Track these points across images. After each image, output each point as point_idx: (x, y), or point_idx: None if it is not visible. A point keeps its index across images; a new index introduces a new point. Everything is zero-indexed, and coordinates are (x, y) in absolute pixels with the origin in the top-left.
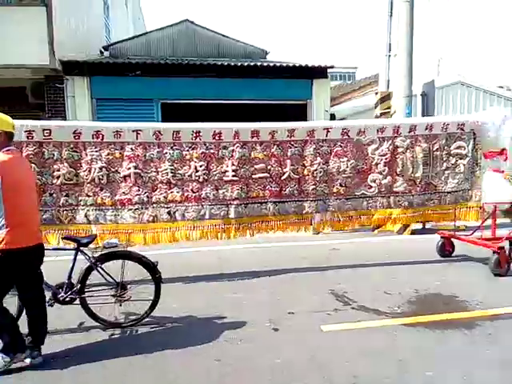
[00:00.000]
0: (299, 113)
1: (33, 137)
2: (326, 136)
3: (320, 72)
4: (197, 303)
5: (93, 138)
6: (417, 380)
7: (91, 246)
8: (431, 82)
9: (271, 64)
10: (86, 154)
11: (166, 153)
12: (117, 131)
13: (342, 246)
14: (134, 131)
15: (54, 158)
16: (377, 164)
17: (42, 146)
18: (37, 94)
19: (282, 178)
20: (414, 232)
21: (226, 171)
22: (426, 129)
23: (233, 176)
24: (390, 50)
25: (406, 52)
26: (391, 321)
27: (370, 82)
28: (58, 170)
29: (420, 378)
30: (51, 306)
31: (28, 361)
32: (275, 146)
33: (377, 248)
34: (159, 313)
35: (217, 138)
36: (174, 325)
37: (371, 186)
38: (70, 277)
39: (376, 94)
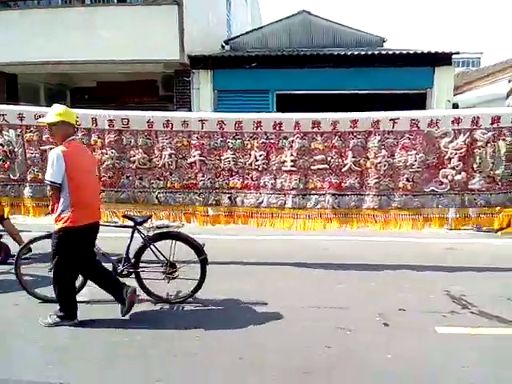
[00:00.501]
0: (418, 102)
1: (113, 125)
2: (393, 127)
3: (443, 59)
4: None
5: (164, 127)
6: None
7: (147, 225)
8: None
9: (389, 52)
10: (158, 142)
11: (229, 142)
12: (184, 121)
13: (460, 246)
14: (199, 121)
15: (131, 144)
16: (450, 158)
17: (121, 134)
18: (166, 86)
19: (343, 170)
20: None
21: (285, 161)
22: None
23: (291, 166)
24: None
25: None
26: None
27: (500, 68)
28: (134, 156)
29: None
30: (122, 275)
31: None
32: (336, 137)
33: (499, 250)
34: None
35: (277, 128)
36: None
37: (442, 183)
38: (127, 252)
39: (509, 81)
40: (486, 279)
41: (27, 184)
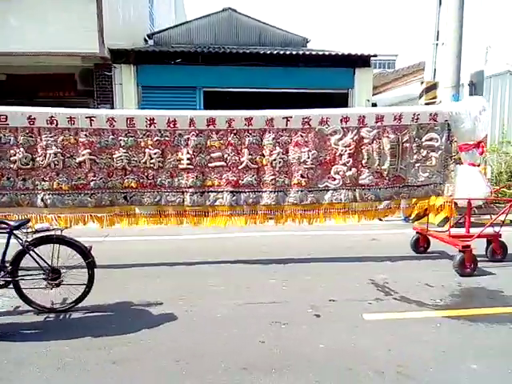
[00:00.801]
0: (340, 102)
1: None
2: (286, 125)
3: (362, 61)
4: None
5: (47, 124)
6: (461, 372)
7: (26, 230)
8: (480, 71)
9: (313, 52)
10: (41, 140)
11: (121, 140)
12: (70, 117)
13: (382, 237)
14: (87, 117)
15: (11, 142)
16: (341, 155)
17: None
18: (85, 81)
19: (239, 167)
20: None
21: (181, 159)
22: (395, 119)
23: (188, 164)
24: (437, 39)
25: (455, 39)
26: (434, 313)
27: (413, 70)
28: (15, 155)
29: (464, 371)
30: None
31: None
32: (232, 135)
33: None
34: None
35: (171, 125)
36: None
37: (335, 178)
38: (3, 260)
39: (421, 83)
40: (407, 266)
41: None
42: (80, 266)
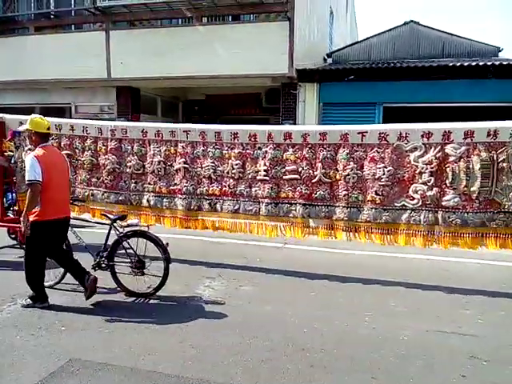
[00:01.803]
0: None
1: (115, 134)
2: (362, 140)
3: None
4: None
5: (155, 136)
6: None
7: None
8: None
9: (504, 63)
10: (150, 149)
11: (209, 151)
12: (171, 131)
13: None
14: (184, 131)
15: (128, 151)
16: (421, 173)
17: (121, 142)
18: (270, 99)
19: (313, 180)
20: None
21: (259, 170)
22: (489, 135)
23: (264, 176)
24: None
25: None
26: None
27: None
28: (130, 162)
29: None
30: (94, 270)
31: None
32: (307, 149)
33: None
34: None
35: (252, 139)
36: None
37: (414, 198)
38: (105, 246)
39: None
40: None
41: None
42: (159, 259)
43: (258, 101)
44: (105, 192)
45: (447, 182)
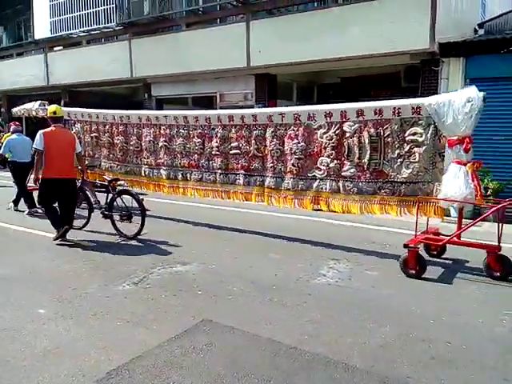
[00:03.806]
0: None
1: (122, 120)
2: (282, 120)
3: None
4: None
5: (146, 121)
6: None
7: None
8: None
9: None
10: (144, 131)
11: (180, 131)
12: (156, 117)
13: None
14: (164, 116)
15: (131, 133)
16: (325, 148)
17: (126, 126)
18: (409, 78)
19: (250, 155)
20: None
21: (213, 147)
22: (375, 114)
23: (216, 151)
24: None
25: None
26: None
27: None
28: (132, 141)
29: None
30: (106, 218)
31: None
32: (244, 128)
33: None
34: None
35: (207, 121)
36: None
37: (321, 169)
38: (106, 202)
39: None
40: None
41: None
42: (138, 211)
43: (396, 80)
44: (118, 165)
45: (345, 155)
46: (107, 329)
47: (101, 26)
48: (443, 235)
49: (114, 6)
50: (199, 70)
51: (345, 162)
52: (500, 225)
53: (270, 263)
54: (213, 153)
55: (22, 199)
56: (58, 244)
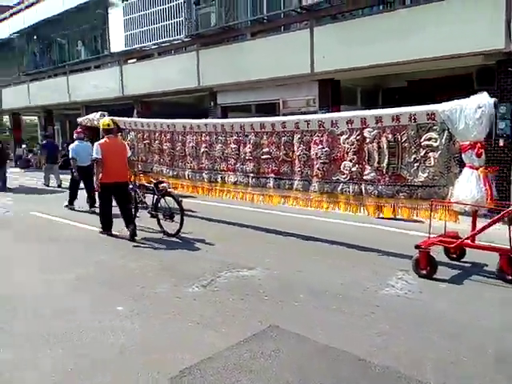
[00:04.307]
0: None
1: (169, 128)
2: (308, 127)
3: None
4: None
5: (189, 129)
6: None
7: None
8: None
9: None
10: (187, 138)
11: (218, 138)
12: (198, 125)
13: None
14: (204, 124)
15: (177, 140)
16: (347, 152)
17: (173, 134)
18: (482, 79)
19: (279, 159)
20: None
21: (246, 152)
22: (393, 120)
23: (249, 156)
24: None
25: None
26: None
27: None
28: (177, 147)
29: None
30: (153, 217)
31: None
32: (274, 135)
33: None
34: None
35: (242, 128)
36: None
37: (344, 173)
38: (152, 202)
39: None
40: None
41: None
42: (178, 212)
43: (467, 83)
44: (167, 168)
45: (365, 159)
46: (179, 329)
47: (171, 38)
48: (461, 238)
49: (183, 18)
50: (263, 78)
51: (366, 166)
52: (511, 228)
53: (333, 271)
54: (246, 157)
55: (86, 198)
56: (129, 241)
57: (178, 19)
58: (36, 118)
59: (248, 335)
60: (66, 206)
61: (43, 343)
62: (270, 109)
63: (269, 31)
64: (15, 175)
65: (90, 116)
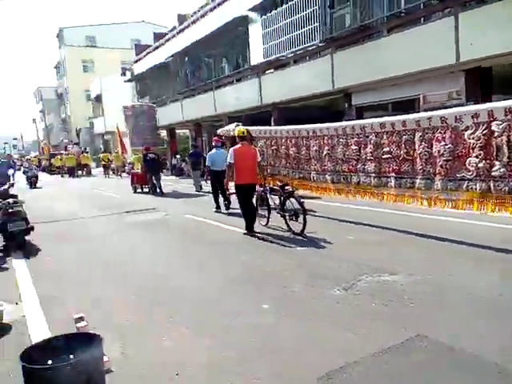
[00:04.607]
0: None
1: (295, 134)
2: (429, 124)
3: None
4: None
5: (307, 134)
6: None
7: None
8: None
9: None
10: (310, 143)
11: (339, 140)
12: (320, 129)
13: None
14: (326, 128)
15: (300, 144)
16: (473, 148)
17: (297, 139)
18: None
19: (400, 158)
20: None
21: (367, 152)
22: None
23: (370, 156)
24: None
25: None
26: None
27: None
28: (302, 151)
29: None
30: (281, 217)
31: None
32: (395, 134)
33: None
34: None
35: (362, 130)
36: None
37: (470, 169)
38: (279, 202)
39: None
40: None
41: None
42: (300, 212)
43: None
44: (293, 171)
45: (493, 154)
46: (322, 330)
47: (306, 45)
48: None
49: (317, 24)
50: (400, 74)
51: (494, 161)
52: None
53: (487, 280)
54: (367, 158)
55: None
56: (258, 237)
57: (312, 25)
58: (187, 131)
59: (393, 343)
60: (216, 211)
61: (197, 335)
62: (408, 106)
63: (406, 25)
64: (170, 182)
65: (227, 127)
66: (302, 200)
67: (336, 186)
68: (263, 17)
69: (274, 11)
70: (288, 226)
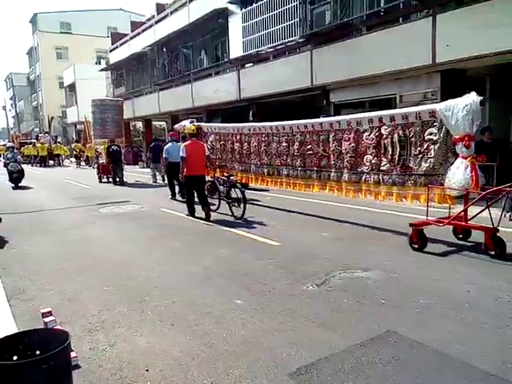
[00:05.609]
0: None
1: (238, 130)
2: (339, 126)
3: None
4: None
5: (249, 131)
6: None
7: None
8: None
9: None
10: (252, 139)
11: (274, 138)
12: (259, 127)
13: None
14: (263, 127)
15: (244, 140)
16: (368, 147)
17: (241, 135)
18: None
19: (318, 155)
20: None
21: (295, 149)
22: (403, 118)
23: (297, 152)
24: None
25: None
26: None
27: None
28: (244, 146)
29: None
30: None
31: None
32: (314, 134)
33: None
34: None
35: (291, 130)
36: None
37: (366, 165)
38: (224, 191)
39: None
40: None
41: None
42: (241, 200)
43: None
44: (238, 164)
45: (382, 152)
46: (295, 326)
47: (286, 40)
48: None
49: (298, 20)
50: (378, 73)
51: (382, 158)
52: (488, 209)
53: (458, 276)
54: (295, 154)
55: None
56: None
57: (292, 21)
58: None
59: (364, 339)
60: (171, 198)
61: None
62: (385, 104)
63: (385, 24)
64: (134, 173)
65: (183, 122)
66: (243, 189)
67: (271, 178)
68: (243, 10)
69: (254, 4)
70: (231, 211)
